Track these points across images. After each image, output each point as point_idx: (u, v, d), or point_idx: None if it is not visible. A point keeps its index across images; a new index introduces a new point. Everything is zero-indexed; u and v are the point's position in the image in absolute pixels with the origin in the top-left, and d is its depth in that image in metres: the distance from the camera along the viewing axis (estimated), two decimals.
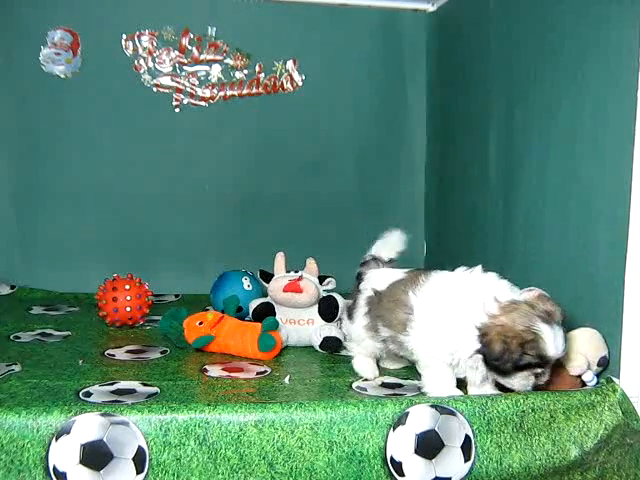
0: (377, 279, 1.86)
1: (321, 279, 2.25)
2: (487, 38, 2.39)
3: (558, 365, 1.59)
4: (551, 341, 1.48)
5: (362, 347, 1.85)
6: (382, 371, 1.88)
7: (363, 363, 1.85)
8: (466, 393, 1.61)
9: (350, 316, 1.90)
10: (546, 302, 1.55)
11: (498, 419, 1.46)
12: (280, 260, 2.27)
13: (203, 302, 2.56)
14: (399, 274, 1.82)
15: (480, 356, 1.54)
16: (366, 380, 1.80)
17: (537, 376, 1.53)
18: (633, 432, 1.52)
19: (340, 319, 2.21)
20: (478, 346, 1.53)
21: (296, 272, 2.23)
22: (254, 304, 2.24)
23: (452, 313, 1.58)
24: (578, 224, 1.79)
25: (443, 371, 1.62)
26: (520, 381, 1.53)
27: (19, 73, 2.79)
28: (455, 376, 1.63)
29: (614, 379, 1.59)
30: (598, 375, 1.65)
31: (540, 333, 1.48)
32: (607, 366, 1.65)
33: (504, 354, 1.49)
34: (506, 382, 1.55)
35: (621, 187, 1.58)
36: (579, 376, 1.63)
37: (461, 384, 1.63)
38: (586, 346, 1.64)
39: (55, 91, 2.81)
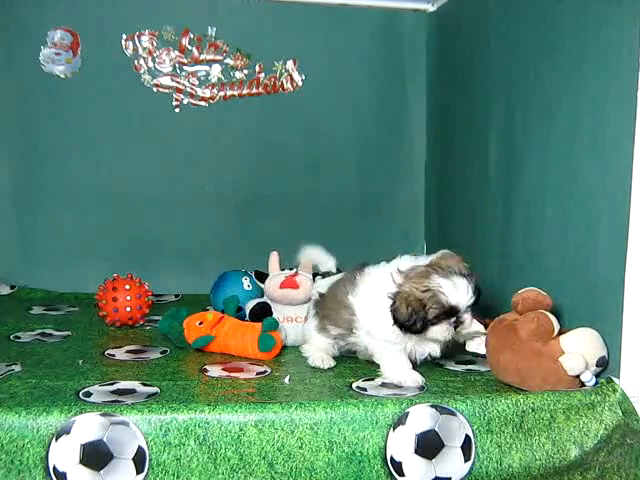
0: (321, 283, 2.04)
1: (314, 277, 2.26)
2: (487, 38, 2.39)
3: (555, 364, 1.60)
4: (450, 291, 1.64)
5: (315, 346, 1.96)
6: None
7: (317, 357, 1.91)
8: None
9: (305, 319, 2.07)
10: (447, 259, 1.71)
11: (498, 419, 1.46)
12: (274, 259, 2.28)
13: (203, 302, 2.56)
14: (339, 275, 2.00)
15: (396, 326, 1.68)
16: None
17: (456, 326, 1.69)
18: (633, 432, 1.52)
19: None
20: (390, 315, 1.68)
21: (291, 269, 2.25)
22: (251, 305, 2.24)
23: (384, 302, 1.71)
24: (578, 224, 1.79)
25: (398, 357, 1.77)
26: (440, 333, 1.69)
27: (19, 73, 2.79)
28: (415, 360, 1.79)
29: (614, 379, 1.59)
30: (597, 375, 1.65)
31: (437, 287, 1.64)
32: (606, 366, 1.64)
33: (411, 316, 1.65)
34: (428, 337, 1.71)
35: (621, 187, 1.58)
36: (577, 376, 1.62)
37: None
38: (584, 346, 1.63)
39: (55, 91, 2.81)
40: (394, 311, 1.68)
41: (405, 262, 1.75)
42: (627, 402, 1.53)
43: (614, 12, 1.63)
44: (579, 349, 1.62)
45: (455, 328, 1.69)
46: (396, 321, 1.68)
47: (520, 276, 2.11)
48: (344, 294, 1.83)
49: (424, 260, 1.74)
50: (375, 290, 1.75)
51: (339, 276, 1.97)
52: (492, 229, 2.35)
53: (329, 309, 1.91)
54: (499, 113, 2.30)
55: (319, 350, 1.94)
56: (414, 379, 1.71)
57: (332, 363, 1.91)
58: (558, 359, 1.61)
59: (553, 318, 1.67)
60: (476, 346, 1.87)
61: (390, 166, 3.11)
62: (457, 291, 1.64)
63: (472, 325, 1.72)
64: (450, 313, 1.66)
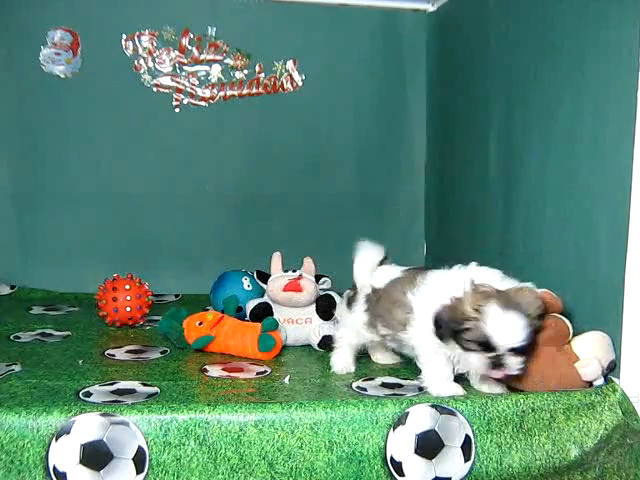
0: (376, 276, 1.87)
1: (317, 278, 2.25)
2: (487, 38, 2.39)
3: (570, 369, 1.59)
4: (495, 324, 1.46)
5: (354, 336, 1.88)
6: (377, 369, 1.88)
7: (340, 359, 1.88)
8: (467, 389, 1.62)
9: (349, 305, 1.92)
10: (525, 293, 1.54)
11: (498, 419, 1.46)
12: (277, 260, 2.27)
13: (203, 302, 2.56)
14: (397, 272, 1.84)
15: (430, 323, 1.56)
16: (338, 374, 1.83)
17: (494, 365, 1.49)
18: (633, 432, 1.52)
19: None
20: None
21: (294, 271, 2.24)
22: (251, 305, 2.24)
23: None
24: (578, 224, 1.79)
25: (442, 366, 1.63)
26: (475, 363, 1.52)
27: (19, 73, 2.79)
28: (457, 371, 1.63)
29: (614, 379, 1.59)
30: (605, 377, 1.63)
31: (485, 315, 1.46)
32: (614, 370, 1.62)
33: (444, 320, 1.52)
34: (467, 361, 1.54)
35: (621, 187, 1.58)
36: (591, 381, 1.60)
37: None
38: (597, 350, 1.62)
39: (55, 91, 2.81)
40: (441, 308, 1.55)
41: (483, 275, 1.60)
42: (627, 402, 1.53)
43: (614, 12, 1.63)
44: (592, 353, 1.60)
45: (495, 366, 1.50)
46: (434, 317, 1.56)
47: (520, 276, 2.10)
48: (401, 293, 1.72)
49: (505, 282, 1.58)
50: (437, 290, 1.62)
51: (398, 273, 1.83)
52: (492, 229, 2.35)
53: (383, 309, 1.78)
54: (499, 113, 2.30)
55: (355, 345, 1.89)
56: (454, 390, 1.60)
57: (352, 369, 1.87)
58: (574, 364, 1.60)
59: (568, 323, 1.65)
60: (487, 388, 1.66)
61: (390, 166, 3.11)
62: (502, 329, 1.46)
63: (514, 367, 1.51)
64: (487, 347, 1.48)
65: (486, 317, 1.47)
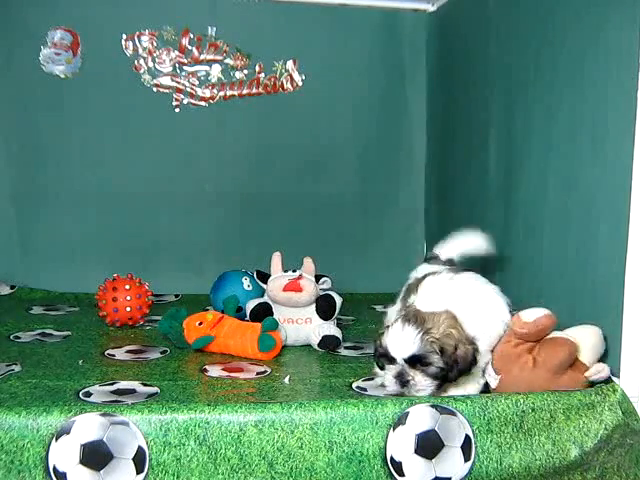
0: (421, 269, 1.97)
1: (317, 278, 2.25)
2: (487, 38, 2.39)
3: (576, 380, 1.58)
4: (390, 335, 1.54)
5: None
6: None
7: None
8: None
9: (393, 301, 1.98)
10: (440, 317, 1.56)
11: (498, 419, 1.46)
12: (277, 260, 2.27)
13: (203, 302, 2.56)
14: (433, 269, 1.89)
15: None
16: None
17: (400, 381, 1.53)
18: (633, 432, 1.52)
19: (337, 318, 2.24)
20: None
21: (294, 271, 2.24)
22: (251, 305, 2.24)
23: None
24: (578, 224, 1.79)
25: None
26: (385, 376, 1.57)
27: (19, 73, 2.79)
28: None
29: (614, 379, 1.59)
30: None
31: (387, 326, 1.58)
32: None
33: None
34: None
35: (621, 187, 1.57)
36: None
37: None
38: (600, 348, 1.63)
39: (55, 91, 2.81)
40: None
41: (460, 283, 1.70)
42: (627, 402, 1.53)
43: (614, 12, 1.63)
44: (596, 356, 1.62)
45: (400, 382, 1.53)
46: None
47: (520, 276, 2.11)
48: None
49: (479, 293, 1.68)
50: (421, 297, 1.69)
51: (431, 270, 1.87)
52: (492, 229, 2.35)
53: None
54: (499, 113, 2.30)
55: None
56: None
57: None
58: (584, 374, 1.59)
59: (572, 339, 1.61)
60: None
61: (390, 166, 3.11)
62: (394, 339, 1.54)
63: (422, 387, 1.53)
64: (390, 359, 1.55)
65: (387, 332, 1.56)
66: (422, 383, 1.52)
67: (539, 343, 1.62)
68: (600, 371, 1.59)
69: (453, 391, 1.61)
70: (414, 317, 1.55)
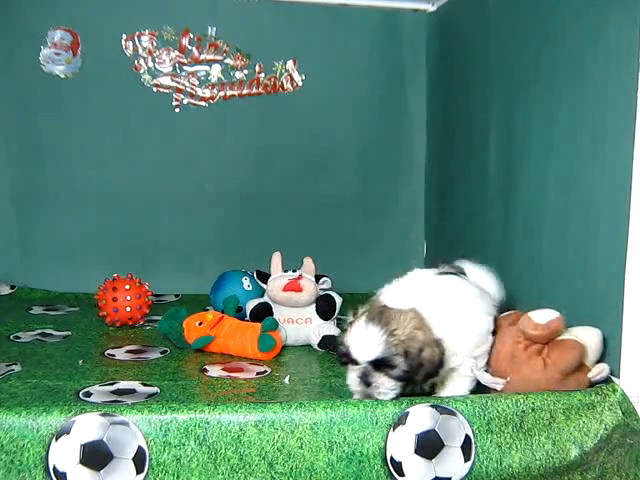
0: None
1: (317, 278, 2.26)
2: (487, 38, 2.39)
3: (581, 381, 1.59)
4: (352, 336, 1.48)
5: None
6: None
7: None
8: None
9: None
10: (404, 316, 1.49)
11: (498, 419, 1.46)
12: (277, 260, 2.27)
13: (203, 302, 2.56)
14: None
15: None
16: None
17: (364, 382, 1.47)
18: (633, 432, 1.52)
19: (337, 318, 2.23)
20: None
21: (294, 271, 2.24)
22: (251, 305, 2.24)
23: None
24: (578, 224, 1.79)
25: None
26: (350, 378, 1.51)
27: (19, 73, 2.79)
28: None
29: (614, 379, 1.59)
30: None
31: (349, 327, 1.51)
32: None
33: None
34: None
35: (621, 187, 1.57)
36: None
37: None
38: (600, 349, 1.64)
39: (55, 91, 2.81)
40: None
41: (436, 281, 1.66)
42: (627, 402, 1.53)
43: (614, 12, 1.63)
44: (596, 356, 1.63)
45: (364, 383, 1.47)
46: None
47: (520, 276, 2.11)
48: None
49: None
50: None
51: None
52: (492, 229, 2.35)
53: None
54: (499, 113, 2.30)
55: None
56: None
57: None
58: (586, 375, 1.60)
59: (581, 340, 1.62)
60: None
61: (390, 166, 3.11)
62: (357, 341, 1.46)
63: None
64: (352, 361, 1.48)
65: (350, 330, 1.49)
66: (386, 385, 1.46)
67: (548, 345, 1.62)
68: (601, 371, 1.59)
69: (441, 392, 1.59)
70: (378, 316, 1.47)
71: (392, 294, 1.58)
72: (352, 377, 1.49)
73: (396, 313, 1.49)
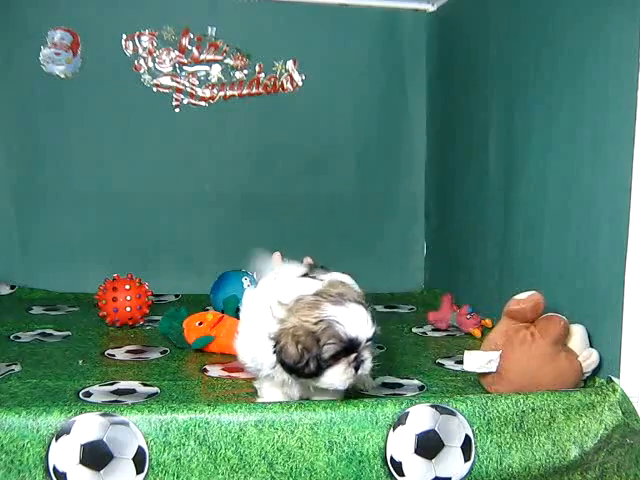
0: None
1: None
2: (487, 38, 2.39)
3: (572, 363, 1.62)
4: (348, 321, 1.37)
5: None
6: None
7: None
8: None
9: None
10: (337, 286, 1.45)
11: (498, 419, 1.46)
12: (277, 260, 2.26)
13: (203, 302, 2.56)
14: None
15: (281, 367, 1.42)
16: None
17: (357, 365, 1.40)
18: (633, 432, 1.52)
19: None
20: (276, 358, 1.41)
21: None
22: None
23: (253, 326, 1.51)
24: (578, 224, 1.79)
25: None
26: (338, 377, 1.40)
27: (19, 73, 2.79)
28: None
29: (614, 379, 1.59)
30: None
31: (332, 317, 1.36)
32: None
33: (303, 355, 1.37)
34: (324, 383, 1.41)
35: (621, 187, 1.57)
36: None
37: None
38: (585, 341, 1.69)
39: (55, 91, 2.81)
40: (281, 353, 1.39)
41: (288, 289, 1.46)
42: (627, 402, 1.53)
43: (614, 12, 1.63)
44: (583, 345, 1.68)
45: (356, 370, 1.40)
46: (284, 364, 1.40)
47: (520, 276, 2.11)
48: None
49: (310, 287, 1.45)
50: (253, 325, 1.51)
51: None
52: (492, 229, 2.35)
53: None
54: (499, 113, 2.30)
55: None
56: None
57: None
58: (576, 359, 1.64)
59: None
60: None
61: (390, 166, 3.11)
62: (355, 320, 1.38)
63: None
64: (350, 348, 1.38)
65: (334, 319, 1.37)
66: (369, 357, 1.42)
67: (534, 323, 1.68)
68: (590, 355, 1.64)
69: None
70: (341, 297, 1.41)
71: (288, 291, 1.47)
72: (341, 370, 1.39)
73: (336, 286, 1.45)
